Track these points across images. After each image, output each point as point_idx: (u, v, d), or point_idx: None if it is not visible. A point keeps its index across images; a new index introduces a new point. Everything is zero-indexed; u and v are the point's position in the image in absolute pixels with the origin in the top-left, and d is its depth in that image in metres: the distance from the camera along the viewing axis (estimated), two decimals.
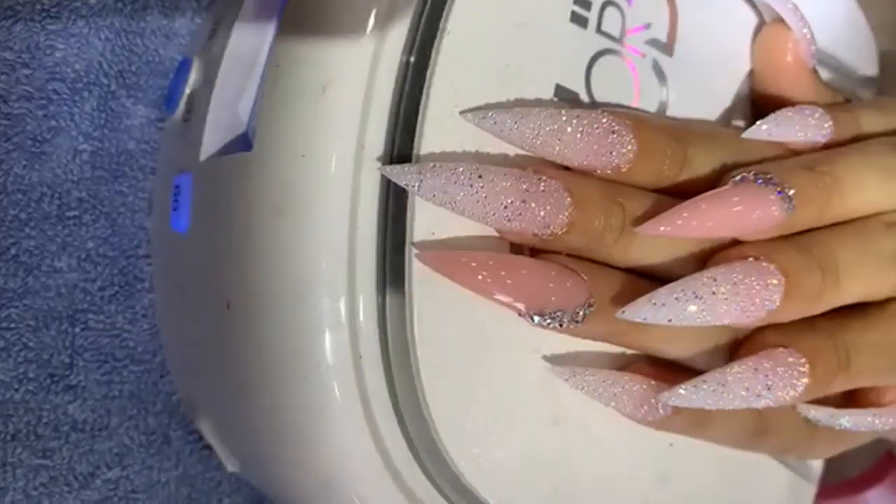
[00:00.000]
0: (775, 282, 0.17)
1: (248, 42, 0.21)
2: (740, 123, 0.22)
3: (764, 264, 0.17)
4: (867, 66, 0.26)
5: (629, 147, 0.17)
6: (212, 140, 0.20)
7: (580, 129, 0.17)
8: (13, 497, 0.22)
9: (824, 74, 0.23)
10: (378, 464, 0.17)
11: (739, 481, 0.23)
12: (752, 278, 0.17)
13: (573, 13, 0.18)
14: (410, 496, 0.18)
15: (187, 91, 0.23)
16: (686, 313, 0.16)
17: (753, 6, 0.22)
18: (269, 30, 0.21)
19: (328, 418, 0.17)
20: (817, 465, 0.26)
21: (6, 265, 0.22)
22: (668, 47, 0.20)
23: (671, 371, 0.19)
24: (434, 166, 0.16)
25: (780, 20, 0.21)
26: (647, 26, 0.20)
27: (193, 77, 0.23)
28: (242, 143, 0.19)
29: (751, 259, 0.17)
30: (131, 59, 0.24)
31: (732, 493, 0.23)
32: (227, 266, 0.18)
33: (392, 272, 0.17)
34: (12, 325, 0.22)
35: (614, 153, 0.17)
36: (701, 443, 0.20)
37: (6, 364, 0.22)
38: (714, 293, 0.16)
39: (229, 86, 0.21)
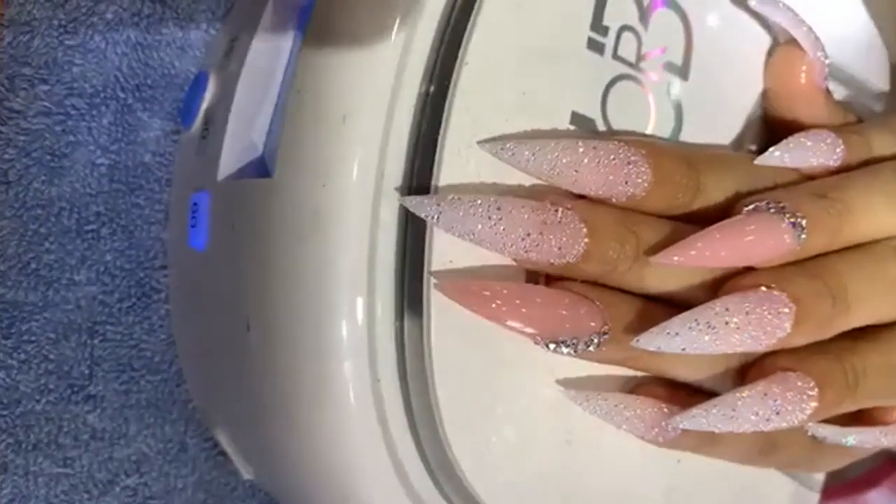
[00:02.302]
0: (786, 310, 0.17)
1: (266, 60, 0.21)
2: (753, 146, 0.22)
3: (775, 293, 0.17)
4: (879, 80, 0.26)
5: (645, 177, 0.17)
6: (229, 161, 0.21)
7: (596, 160, 0.17)
8: None
9: (836, 88, 0.23)
10: (394, 481, 0.18)
11: (744, 492, 0.24)
12: (764, 307, 0.17)
13: (590, 39, 0.19)
14: None
15: (204, 106, 0.23)
16: (699, 342, 0.17)
17: (768, 27, 0.22)
18: (287, 48, 0.21)
19: (346, 439, 0.17)
20: (819, 474, 0.27)
21: (27, 279, 0.22)
22: (683, 70, 0.20)
23: (682, 392, 0.19)
24: (452, 198, 0.16)
25: (793, 41, 0.21)
26: (663, 50, 0.20)
27: (210, 92, 0.23)
28: (260, 166, 0.20)
29: (763, 288, 0.17)
30: (147, 72, 0.24)
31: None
32: (247, 288, 0.18)
33: (410, 299, 0.17)
34: (33, 338, 0.23)
35: (630, 183, 0.17)
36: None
37: (27, 376, 0.23)
38: (727, 323, 0.17)
39: (247, 105, 0.21)
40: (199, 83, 0.23)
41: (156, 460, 0.25)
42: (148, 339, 0.25)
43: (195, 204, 0.21)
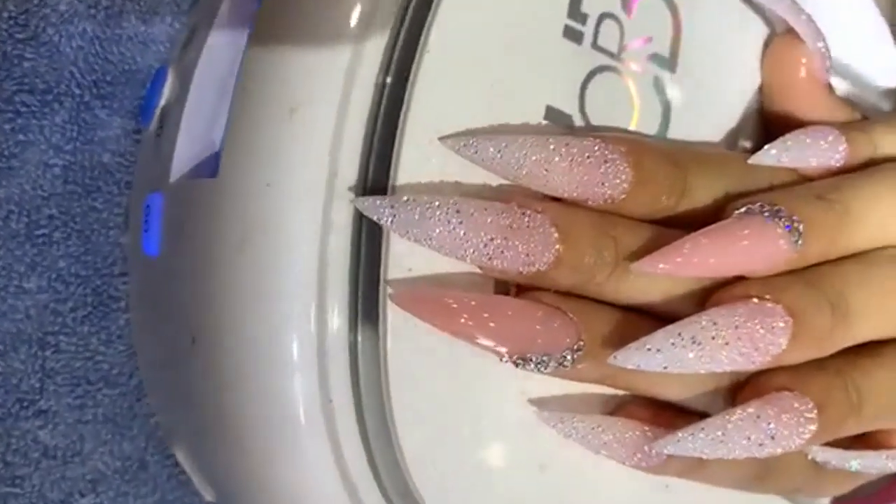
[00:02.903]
0: (781, 324, 0.16)
1: (223, 53, 0.20)
2: (748, 144, 0.20)
3: (769, 305, 0.16)
4: (886, 75, 0.24)
5: (624, 177, 0.16)
6: (182, 160, 0.19)
7: (569, 158, 0.15)
8: None
9: (839, 83, 0.22)
10: None
11: None
12: (756, 321, 0.15)
13: (566, 27, 0.17)
14: None
15: (161, 103, 0.22)
16: (683, 360, 0.15)
17: (764, 16, 0.20)
18: (244, 41, 0.20)
19: (297, 464, 0.16)
20: (825, 499, 0.25)
21: None
22: (670, 62, 0.19)
23: (667, 413, 0.18)
24: (407, 200, 0.15)
25: (792, 32, 0.20)
26: (648, 40, 0.18)
27: (168, 88, 0.22)
28: (211, 166, 0.18)
29: (755, 299, 0.16)
30: (106, 67, 0.23)
31: None
32: (192, 300, 0.17)
33: (364, 310, 0.16)
34: None
35: (607, 184, 0.16)
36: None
37: None
38: (714, 338, 0.15)
39: (202, 101, 0.20)
40: (158, 78, 0.22)
41: (113, 479, 0.24)
42: (105, 351, 0.23)
43: (148, 206, 0.20)
